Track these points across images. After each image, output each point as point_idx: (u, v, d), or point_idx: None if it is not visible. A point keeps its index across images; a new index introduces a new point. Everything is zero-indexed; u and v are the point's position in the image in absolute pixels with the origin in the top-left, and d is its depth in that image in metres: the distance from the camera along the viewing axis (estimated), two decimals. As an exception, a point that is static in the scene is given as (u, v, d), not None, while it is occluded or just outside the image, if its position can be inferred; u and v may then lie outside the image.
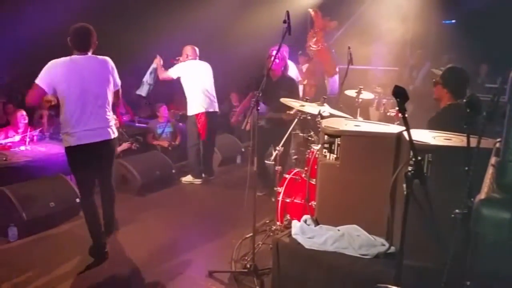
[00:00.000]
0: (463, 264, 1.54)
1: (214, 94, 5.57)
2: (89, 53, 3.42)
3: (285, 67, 4.93)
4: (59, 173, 4.37)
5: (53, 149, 4.88)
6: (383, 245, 2.53)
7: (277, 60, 4.52)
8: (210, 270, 3.37)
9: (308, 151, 3.80)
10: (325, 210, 2.70)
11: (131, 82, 7.18)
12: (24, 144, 5.01)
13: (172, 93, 7.96)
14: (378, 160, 2.56)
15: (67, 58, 3.32)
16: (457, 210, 1.76)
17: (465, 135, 1.92)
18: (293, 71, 6.07)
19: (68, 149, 3.37)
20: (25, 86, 4.54)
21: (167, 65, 5.47)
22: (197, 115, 5.43)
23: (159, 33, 5.80)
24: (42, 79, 3.23)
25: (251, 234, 3.75)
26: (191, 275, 3.41)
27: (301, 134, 4.15)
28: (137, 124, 7.17)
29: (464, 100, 1.93)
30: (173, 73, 5.39)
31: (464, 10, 7.47)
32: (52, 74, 3.25)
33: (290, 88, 4.75)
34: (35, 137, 5.28)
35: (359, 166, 2.58)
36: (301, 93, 7.77)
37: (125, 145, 5.84)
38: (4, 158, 4.36)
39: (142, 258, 3.65)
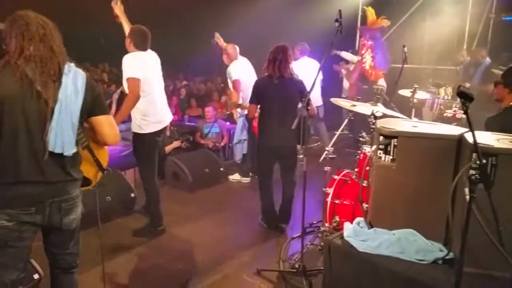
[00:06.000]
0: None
1: None
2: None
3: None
4: (115, 169, 4.54)
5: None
6: (441, 250, 2.43)
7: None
8: (258, 268, 3.39)
9: (359, 151, 3.73)
10: (379, 213, 2.62)
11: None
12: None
13: (211, 92, 8.08)
14: (437, 163, 2.46)
15: (135, 53, 3.68)
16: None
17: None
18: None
19: (144, 135, 3.79)
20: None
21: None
22: None
23: (208, 38, 5.89)
24: (135, 71, 3.56)
25: (298, 234, 3.75)
26: (239, 273, 3.44)
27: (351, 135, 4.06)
28: (186, 123, 7.36)
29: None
30: (235, 80, 5.33)
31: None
32: (139, 65, 3.61)
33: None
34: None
35: (416, 168, 2.49)
36: (347, 93, 7.70)
37: (175, 143, 6.01)
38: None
39: (191, 254, 3.74)
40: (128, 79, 3.58)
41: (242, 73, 5.37)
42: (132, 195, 4.30)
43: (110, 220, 4.28)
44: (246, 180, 5.70)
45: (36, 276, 2.88)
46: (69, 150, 2.01)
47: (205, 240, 3.99)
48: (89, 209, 4.03)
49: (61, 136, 1.97)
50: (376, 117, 3.40)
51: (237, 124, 5.84)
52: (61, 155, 1.99)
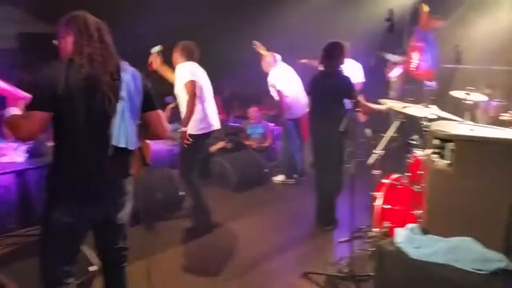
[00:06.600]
0: None
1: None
2: None
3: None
4: (166, 167, 4.66)
5: (158, 144, 5.11)
6: (501, 261, 2.31)
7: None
8: (306, 271, 3.38)
9: (410, 155, 3.62)
10: (434, 219, 2.54)
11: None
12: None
13: (260, 94, 8.02)
14: (497, 168, 2.35)
15: (185, 63, 4.00)
16: None
17: None
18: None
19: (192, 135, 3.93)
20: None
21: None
22: (300, 117, 5.40)
23: (249, 39, 5.88)
24: (189, 76, 3.88)
25: (346, 238, 3.70)
26: (286, 275, 3.44)
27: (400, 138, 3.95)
28: (230, 124, 7.42)
29: None
30: (280, 87, 5.40)
31: None
32: (190, 70, 3.93)
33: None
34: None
35: (474, 173, 2.39)
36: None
37: (221, 144, 6.08)
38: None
39: (236, 253, 3.78)
40: (185, 84, 3.86)
41: (282, 81, 5.42)
42: (180, 193, 4.40)
43: (160, 216, 4.39)
44: (291, 181, 5.68)
45: (91, 268, 2.98)
46: (133, 144, 2.10)
47: (250, 241, 4.03)
48: (139, 205, 4.18)
49: (125, 131, 2.04)
50: (429, 120, 3.28)
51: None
52: (123, 151, 2.06)
